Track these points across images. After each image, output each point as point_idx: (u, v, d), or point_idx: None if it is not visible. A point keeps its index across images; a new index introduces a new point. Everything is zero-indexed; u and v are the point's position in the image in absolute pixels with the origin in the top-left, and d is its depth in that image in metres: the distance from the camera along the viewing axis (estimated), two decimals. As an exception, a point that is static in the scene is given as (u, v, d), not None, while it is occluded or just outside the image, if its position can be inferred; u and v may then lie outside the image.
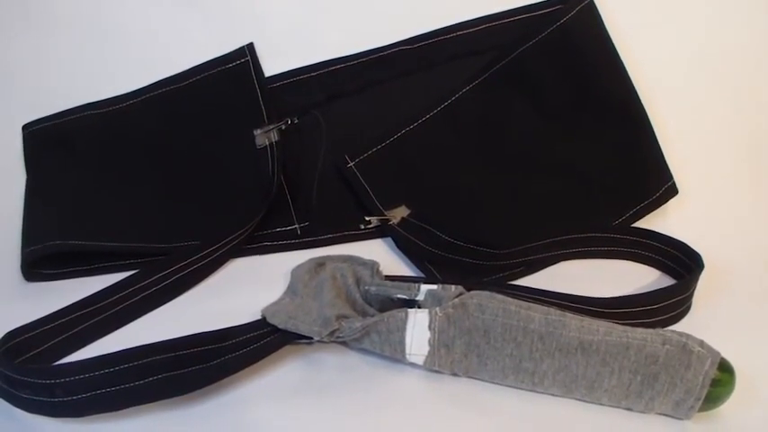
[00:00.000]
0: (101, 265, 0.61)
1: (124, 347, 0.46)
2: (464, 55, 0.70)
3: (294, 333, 0.50)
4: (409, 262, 0.63)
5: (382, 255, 0.63)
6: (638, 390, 0.48)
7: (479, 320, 0.49)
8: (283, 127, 0.65)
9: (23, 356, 0.50)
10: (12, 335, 0.50)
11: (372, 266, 0.57)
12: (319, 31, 0.68)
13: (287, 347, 0.51)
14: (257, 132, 0.66)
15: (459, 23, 0.70)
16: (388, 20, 0.70)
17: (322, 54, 0.66)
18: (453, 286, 0.51)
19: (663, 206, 0.68)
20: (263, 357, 0.49)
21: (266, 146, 0.65)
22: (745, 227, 0.69)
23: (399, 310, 0.50)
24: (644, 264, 0.65)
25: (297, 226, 0.65)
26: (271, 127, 0.65)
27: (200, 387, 0.47)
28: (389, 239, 0.65)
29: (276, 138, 0.65)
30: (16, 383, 0.45)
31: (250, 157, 0.66)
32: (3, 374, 0.45)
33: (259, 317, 0.52)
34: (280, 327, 0.50)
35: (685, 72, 0.74)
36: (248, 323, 0.51)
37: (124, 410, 0.46)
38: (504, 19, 0.70)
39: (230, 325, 0.51)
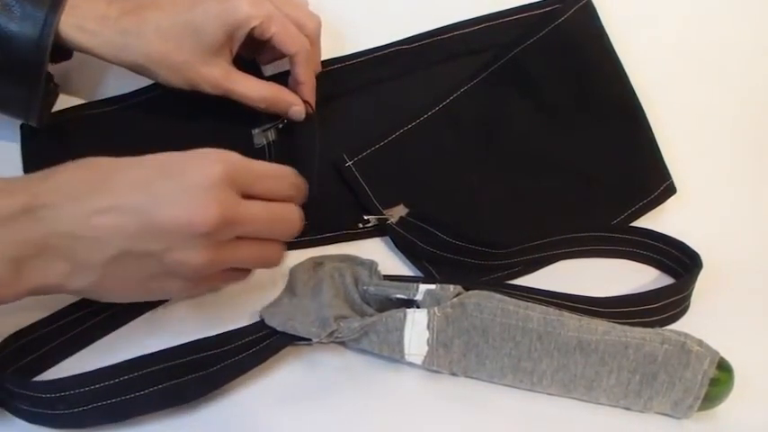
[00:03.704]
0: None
1: (124, 348, 0.46)
2: (462, 54, 0.70)
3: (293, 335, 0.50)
4: (408, 261, 0.63)
5: (381, 254, 0.63)
6: (637, 389, 0.48)
7: (478, 320, 0.49)
8: (280, 126, 0.65)
9: (23, 360, 0.50)
10: (10, 340, 0.50)
11: (371, 266, 0.57)
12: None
13: (286, 348, 0.51)
14: (255, 132, 0.65)
15: (458, 23, 0.70)
16: (385, 19, 0.70)
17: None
18: (452, 286, 0.51)
19: (661, 205, 0.68)
20: (263, 361, 0.49)
21: (264, 145, 0.65)
22: (743, 225, 0.69)
23: (398, 309, 0.50)
24: (643, 263, 0.65)
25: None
26: (268, 126, 0.65)
27: (202, 394, 0.47)
28: (388, 238, 0.65)
29: (273, 137, 0.65)
30: (16, 396, 0.45)
31: (248, 156, 0.65)
32: (2, 386, 0.45)
33: (258, 316, 0.52)
34: (278, 329, 0.50)
35: (683, 71, 0.74)
36: (247, 326, 0.51)
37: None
38: (502, 18, 0.70)
39: (229, 325, 0.51)
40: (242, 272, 0.50)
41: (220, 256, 0.46)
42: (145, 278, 0.46)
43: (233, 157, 0.46)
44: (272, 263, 0.50)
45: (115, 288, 0.46)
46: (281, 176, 0.49)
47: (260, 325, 0.51)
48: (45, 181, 0.43)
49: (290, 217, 0.49)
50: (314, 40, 0.62)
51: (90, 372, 0.44)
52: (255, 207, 0.47)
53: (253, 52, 0.64)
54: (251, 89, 0.61)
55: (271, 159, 0.65)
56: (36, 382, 0.45)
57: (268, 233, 0.48)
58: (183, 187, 0.44)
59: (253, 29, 0.57)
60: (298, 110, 0.63)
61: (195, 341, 0.47)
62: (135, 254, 0.44)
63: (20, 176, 0.44)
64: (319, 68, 0.65)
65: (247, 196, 0.46)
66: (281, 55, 0.63)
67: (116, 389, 0.44)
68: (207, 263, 0.45)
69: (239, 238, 0.47)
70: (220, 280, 0.49)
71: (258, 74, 0.65)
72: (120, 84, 0.68)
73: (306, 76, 0.62)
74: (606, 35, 0.69)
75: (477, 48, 0.70)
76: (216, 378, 0.47)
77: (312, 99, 0.64)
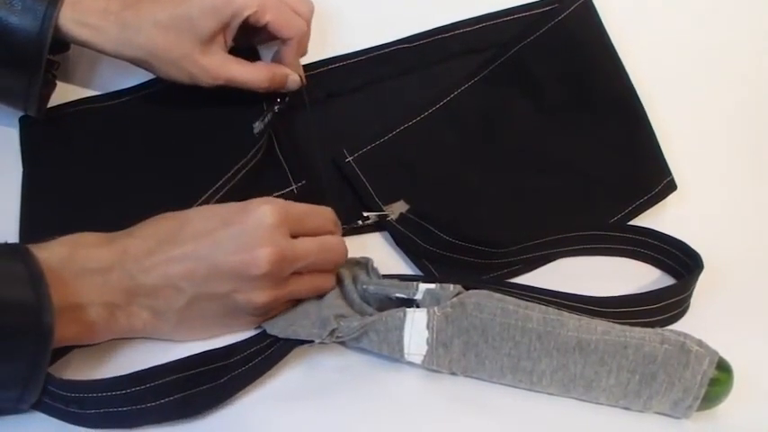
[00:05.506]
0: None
1: (126, 349, 0.46)
2: (463, 53, 0.70)
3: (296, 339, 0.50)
4: (408, 258, 0.63)
5: (381, 250, 0.63)
6: (637, 389, 0.48)
7: (477, 320, 0.49)
8: (276, 109, 0.65)
9: None
10: None
11: (367, 264, 0.57)
12: (318, 30, 0.68)
13: (286, 349, 0.52)
14: (256, 125, 0.65)
15: (458, 22, 0.70)
16: (386, 18, 0.70)
17: (321, 52, 0.66)
18: (451, 285, 0.51)
19: (661, 203, 0.68)
20: (269, 369, 0.50)
21: (261, 129, 0.65)
22: (743, 224, 0.69)
23: (397, 309, 0.50)
24: (643, 262, 0.65)
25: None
26: (268, 116, 0.65)
27: (211, 407, 0.48)
28: (388, 234, 0.65)
29: (269, 118, 0.65)
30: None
31: (249, 151, 0.65)
32: None
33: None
34: (280, 336, 0.50)
35: (683, 68, 0.74)
36: (251, 337, 0.51)
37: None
38: (502, 17, 0.70)
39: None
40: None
41: (281, 291, 0.50)
42: (218, 317, 0.50)
43: (281, 203, 0.50)
44: (325, 291, 0.53)
45: (192, 330, 0.51)
46: (321, 214, 0.53)
47: (263, 335, 0.51)
48: (131, 236, 0.49)
49: (337, 247, 0.53)
50: (307, 25, 0.63)
51: (102, 380, 0.46)
52: (306, 243, 0.50)
53: (248, 38, 0.64)
54: (250, 74, 0.61)
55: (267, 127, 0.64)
56: (55, 377, 0.45)
57: (319, 265, 0.52)
58: (241, 234, 0.48)
59: (248, 17, 0.58)
60: (294, 78, 0.63)
61: (202, 353, 0.48)
62: (206, 296, 0.48)
63: (113, 233, 0.50)
64: (306, 53, 0.65)
65: (296, 235, 0.50)
66: (275, 37, 0.63)
67: (126, 399, 0.45)
68: (270, 300, 0.49)
69: (296, 272, 0.50)
70: (284, 309, 0.52)
71: (252, 58, 0.64)
72: (119, 76, 0.68)
73: (294, 59, 0.63)
74: (606, 32, 0.69)
75: (477, 47, 0.70)
76: (223, 390, 0.48)
77: (301, 74, 0.64)
